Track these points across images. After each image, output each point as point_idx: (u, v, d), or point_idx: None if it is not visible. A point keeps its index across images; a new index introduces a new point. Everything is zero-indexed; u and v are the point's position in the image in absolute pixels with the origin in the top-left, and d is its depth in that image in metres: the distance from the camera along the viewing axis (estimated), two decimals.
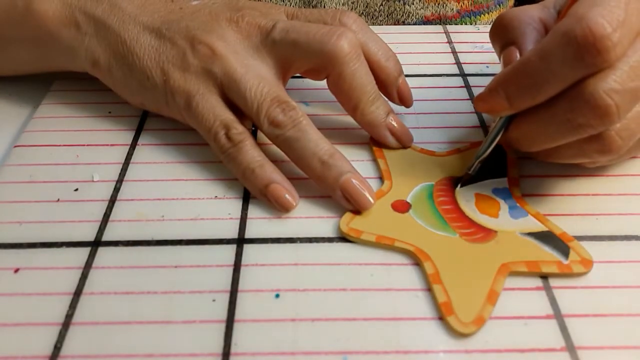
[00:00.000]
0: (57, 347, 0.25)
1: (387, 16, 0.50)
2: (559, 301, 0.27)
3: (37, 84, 0.41)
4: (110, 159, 0.35)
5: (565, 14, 0.28)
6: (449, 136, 0.36)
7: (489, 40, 0.34)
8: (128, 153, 0.35)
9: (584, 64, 0.26)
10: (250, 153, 0.32)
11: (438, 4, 0.50)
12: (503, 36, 0.32)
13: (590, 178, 0.33)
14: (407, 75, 0.37)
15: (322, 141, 0.32)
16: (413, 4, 0.49)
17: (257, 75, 0.33)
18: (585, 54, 0.26)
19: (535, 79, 0.28)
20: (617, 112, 0.26)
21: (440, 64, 0.43)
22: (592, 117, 0.27)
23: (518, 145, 0.31)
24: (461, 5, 0.51)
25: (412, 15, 0.50)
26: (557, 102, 0.28)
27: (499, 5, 0.53)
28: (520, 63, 0.28)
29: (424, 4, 0.50)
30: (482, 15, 0.52)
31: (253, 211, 0.31)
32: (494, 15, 0.53)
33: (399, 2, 0.49)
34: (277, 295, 0.27)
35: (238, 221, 0.31)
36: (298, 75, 0.37)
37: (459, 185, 0.32)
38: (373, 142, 0.35)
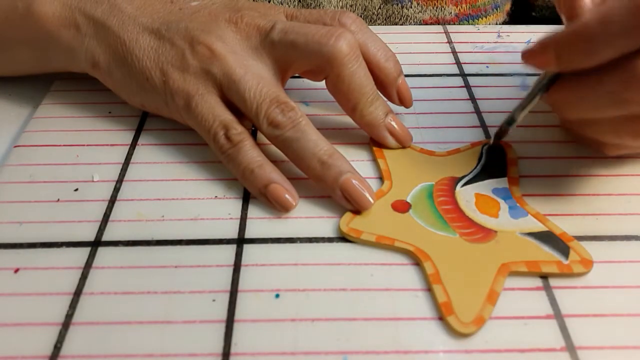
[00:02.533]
0: (57, 347, 0.25)
1: (385, 19, 0.50)
2: (559, 301, 0.27)
3: (37, 84, 0.41)
4: (110, 159, 0.35)
5: None
6: (449, 136, 0.36)
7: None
8: (128, 153, 0.35)
9: None
10: (250, 153, 0.32)
11: (436, 8, 0.50)
12: None
13: (590, 178, 0.33)
14: (407, 76, 0.37)
15: (322, 141, 0.32)
16: (411, 7, 0.49)
17: (256, 76, 0.33)
18: None
19: (590, 44, 0.27)
20: None
21: (440, 64, 0.43)
22: None
23: (556, 109, 0.31)
24: (459, 9, 0.51)
25: (411, 18, 0.50)
26: (607, 72, 0.27)
27: (496, 9, 0.54)
28: (578, 25, 0.27)
29: (422, 7, 0.50)
30: (480, 19, 0.52)
31: (253, 211, 0.31)
32: (491, 19, 0.53)
33: (397, 5, 0.49)
34: (277, 295, 0.27)
35: (238, 221, 0.31)
36: (298, 75, 0.37)
37: (492, 140, 0.33)
38: (373, 142, 0.35)
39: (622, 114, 0.28)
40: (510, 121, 0.33)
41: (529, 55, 0.30)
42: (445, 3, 0.50)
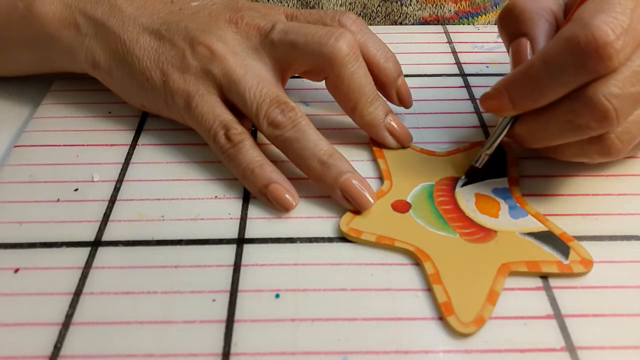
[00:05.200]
0: (57, 347, 0.25)
1: (385, 17, 0.50)
2: (559, 301, 0.27)
3: (37, 84, 0.41)
4: (110, 159, 0.35)
5: (571, 17, 0.28)
6: (449, 136, 0.36)
7: (497, 30, 0.34)
8: (128, 153, 0.35)
9: (586, 70, 0.26)
10: (250, 153, 0.32)
11: (435, 5, 0.50)
12: (513, 27, 0.32)
13: (590, 178, 0.33)
14: (406, 76, 0.37)
15: (322, 141, 0.32)
16: (410, 5, 0.49)
17: (256, 76, 0.33)
18: (588, 61, 0.26)
19: (537, 83, 0.28)
20: (616, 116, 0.27)
21: (440, 64, 0.43)
22: (591, 119, 0.27)
23: (522, 142, 0.31)
24: (459, 7, 0.51)
25: (410, 16, 0.50)
26: (559, 103, 0.28)
27: (496, 7, 0.54)
28: (524, 67, 0.28)
29: (421, 5, 0.50)
30: (480, 17, 0.52)
31: (253, 211, 0.31)
32: (491, 17, 0.53)
33: (397, 3, 0.49)
34: (277, 295, 0.27)
35: (238, 221, 0.31)
36: (298, 75, 0.37)
37: (463, 176, 0.32)
38: (373, 142, 0.35)
39: (582, 138, 0.28)
40: (477, 160, 0.32)
41: (485, 101, 0.31)
42: (445, 0, 0.50)
